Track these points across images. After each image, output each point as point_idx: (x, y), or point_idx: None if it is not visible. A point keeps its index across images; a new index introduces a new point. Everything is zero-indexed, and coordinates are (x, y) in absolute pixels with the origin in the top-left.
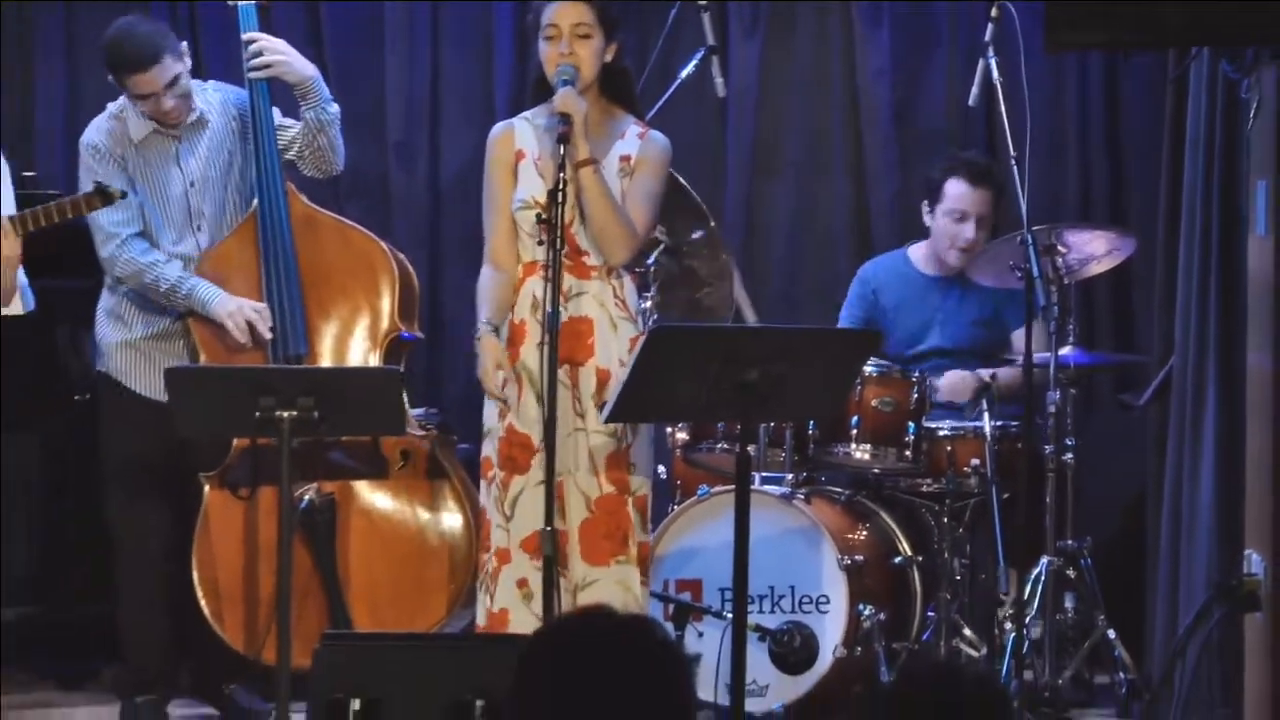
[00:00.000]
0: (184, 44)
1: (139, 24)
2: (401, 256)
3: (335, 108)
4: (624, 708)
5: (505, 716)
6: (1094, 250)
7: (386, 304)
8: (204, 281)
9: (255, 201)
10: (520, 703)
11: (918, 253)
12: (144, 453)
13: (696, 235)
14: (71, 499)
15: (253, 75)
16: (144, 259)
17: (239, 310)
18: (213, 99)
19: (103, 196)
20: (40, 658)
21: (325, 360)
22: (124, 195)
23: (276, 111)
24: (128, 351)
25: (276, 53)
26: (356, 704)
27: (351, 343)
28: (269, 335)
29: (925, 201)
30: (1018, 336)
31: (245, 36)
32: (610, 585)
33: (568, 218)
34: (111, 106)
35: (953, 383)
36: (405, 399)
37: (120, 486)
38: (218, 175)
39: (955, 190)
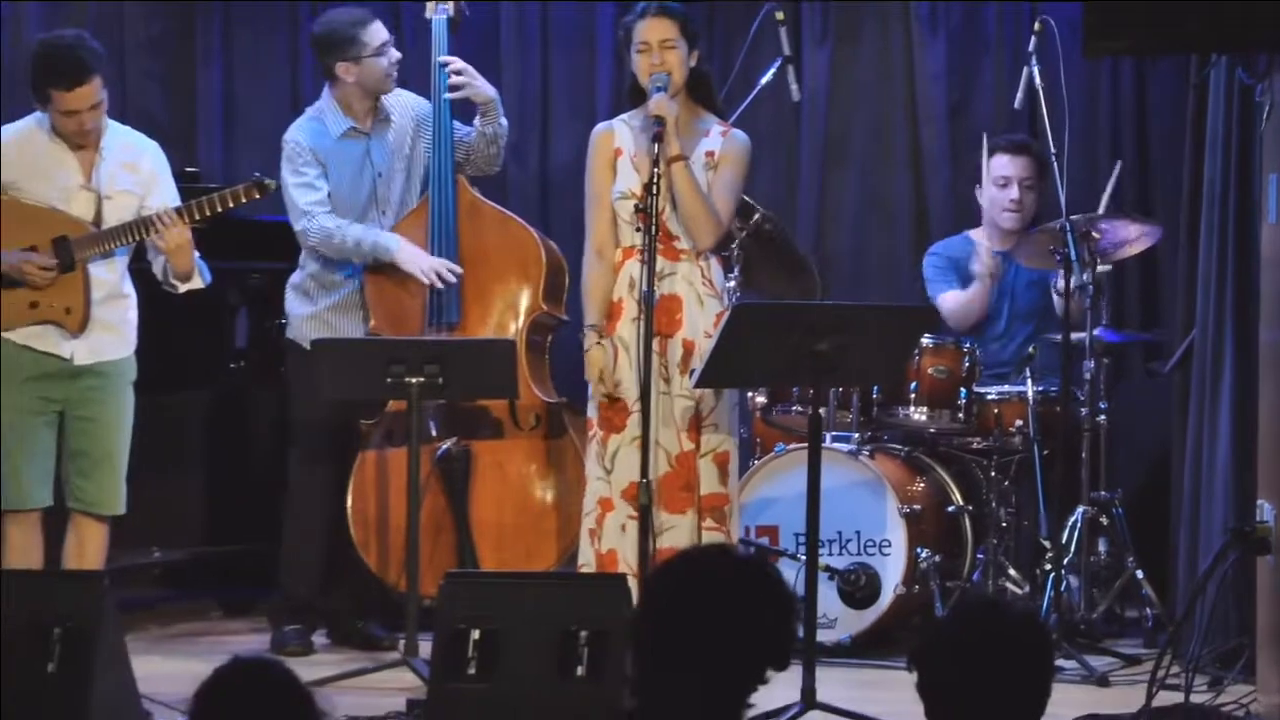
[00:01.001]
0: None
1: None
2: (553, 246)
3: (506, 123)
4: (737, 631)
5: (632, 639)
6: (1125, 236)
7: (533, 287)
8: (384, 232)
9: (428, 193)
10: (645, 625)
11: (978, 234)
12: (322, 410)
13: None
14: (232, 451)
15: (447, 95)
16: (330, 224)
17: (425, 263)
18: (393, 101)
19: (260, 188)
20: (207, 590)
21: (475, 330)
22: (277, 187)
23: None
24: (313, 322)
25: (468, 76)
26: (476, 634)
27: (499, 317)
28: (454, 280)
29: (977, 185)
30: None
31: (441, 59)
32: (685, 531)
33: (660, 207)
34: (310, 110)
35: None
36: (546, 368)
37: (302, 439)
38: (400, 167)
39: (998, 162)
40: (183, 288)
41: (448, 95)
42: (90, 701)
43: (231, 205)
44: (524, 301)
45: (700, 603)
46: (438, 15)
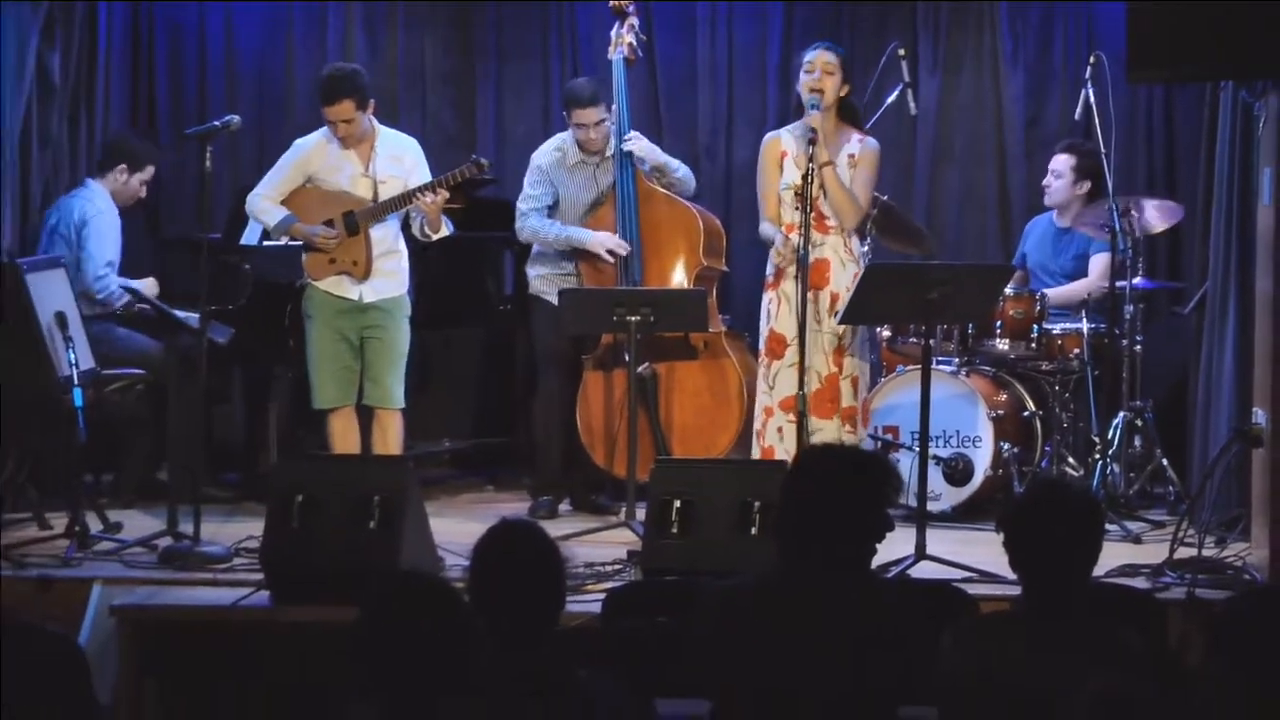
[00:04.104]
0: (615, 105)
1: (588, 82)
2: (711, 217)
3: (681, 174)
4: (852, 500)
5: (778, 513)
6: (1154, 216)
7: (695, 248)
8: (577, 228)
9: (616, 189)
10: (789, 500)
11: (1055, 212)
12: (556, 342)
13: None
14: (500, 369)
15: (627, 152)
16: (536, 223)
17: (604, 242)
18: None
19: (477, 166)
20: (483, 470)
21: (654, 284)
22: (491, 165)
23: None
24: (545, 280)
25: (644, 148)
26: (678, 504)
27: (672, 272)
28: (626, 250)
29: None
30: (1093, 262)
31: (625, 142)
32: (830, 432)
33: (815, 195)
34: (557, 139)
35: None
36: (715, 307)
37: (543, 362)
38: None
39: (1052, 160)
40: (435, 237)
41: (627, 152)
42: (401, 549)
43: (459, 180)
44: (689, 259)
45: (825, 481)
46: (615, 56)
